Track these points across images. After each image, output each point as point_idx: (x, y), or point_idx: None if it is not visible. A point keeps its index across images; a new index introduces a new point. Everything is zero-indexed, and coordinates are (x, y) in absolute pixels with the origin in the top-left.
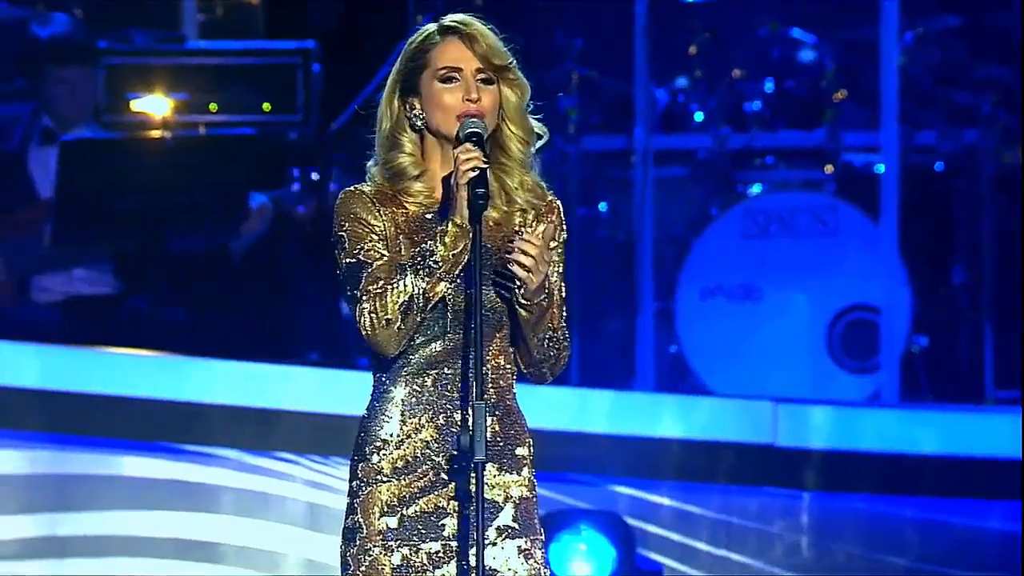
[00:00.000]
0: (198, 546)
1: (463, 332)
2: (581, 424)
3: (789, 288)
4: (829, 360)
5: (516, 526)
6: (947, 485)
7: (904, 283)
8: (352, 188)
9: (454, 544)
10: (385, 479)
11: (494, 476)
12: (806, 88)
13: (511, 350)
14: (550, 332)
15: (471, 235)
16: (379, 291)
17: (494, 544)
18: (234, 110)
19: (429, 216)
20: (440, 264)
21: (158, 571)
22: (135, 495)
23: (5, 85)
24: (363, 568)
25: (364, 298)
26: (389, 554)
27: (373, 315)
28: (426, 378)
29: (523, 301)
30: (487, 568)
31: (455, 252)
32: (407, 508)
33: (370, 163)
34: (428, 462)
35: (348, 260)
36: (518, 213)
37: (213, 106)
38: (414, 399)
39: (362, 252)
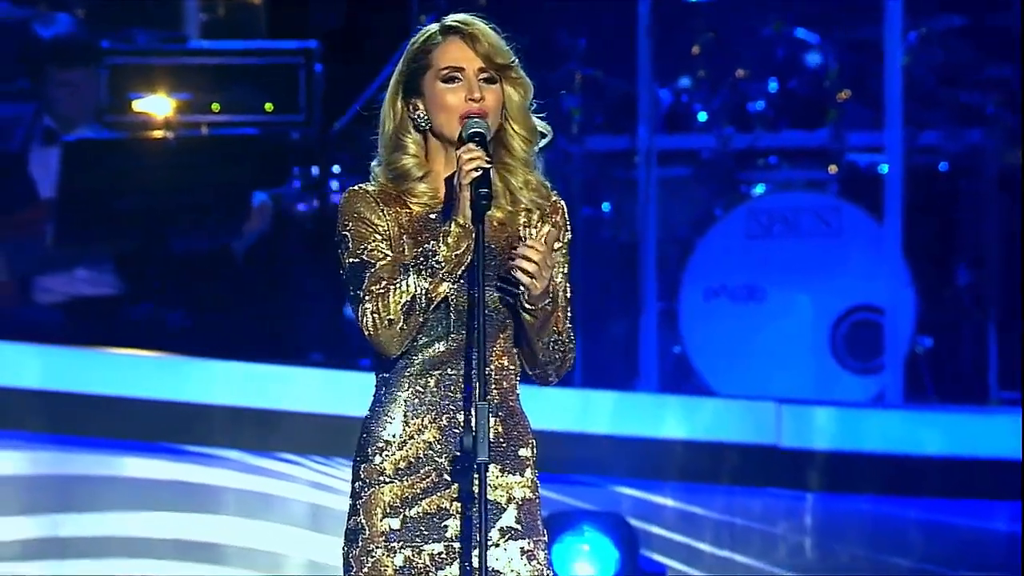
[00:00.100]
0: (200, 547)
1: (466, 332)
2: (584, 425)
3: (793, 288)
4: (833, 361)
5: (519, 527)
6: (951, 486)
7: (908, 284)
8: (356, 187)
9: (457, 545)
10: (387, 480)
11: (497, 477)
12: (810, 88)
13: (515, 351)
14: (555, 335)
15: (474, 235)
16: (381, 291)
17: (497, 545)
18: (236, 110)
19: (433, 216)
20: (442, 264)
21: (160, 572)
22: (137, 496)
23: (7, 85)
24: (365, 569)
25: (366, 298)
26: (392, 555)
27: (375, 315)
28: (429, 379)
29: (527, 306)
30: (490, 569)
31: (458, 253)
32: (410, 509)
33: (374, 163)
34: (431, 463)
35: (351, 260)
36: (523, 213)
37: (215, 106)
38: (417, 400)
39: (365, 252)
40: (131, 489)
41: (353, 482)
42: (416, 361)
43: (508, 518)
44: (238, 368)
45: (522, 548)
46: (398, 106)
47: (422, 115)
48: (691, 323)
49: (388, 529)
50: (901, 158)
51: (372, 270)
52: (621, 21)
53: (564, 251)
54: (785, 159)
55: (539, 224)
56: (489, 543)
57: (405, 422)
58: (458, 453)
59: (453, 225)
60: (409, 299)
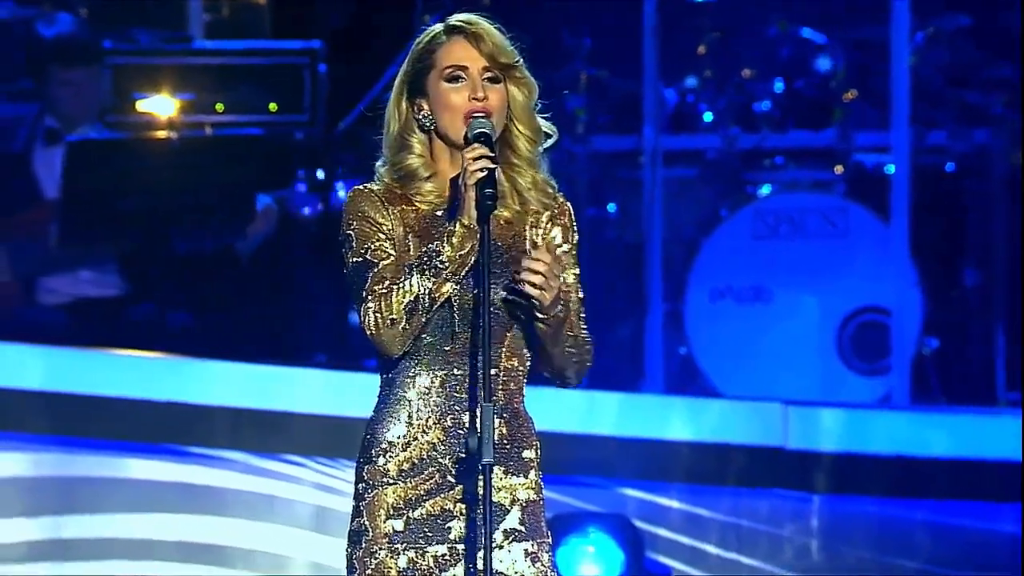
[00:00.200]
0: (203, 549)
1: (472, 332)
2: (590, 426)
3: (799, 289)
4: (839, 362)
5: (523, 529)
6: (958, 488)
7: (915, 284)
8: (361, 186)
9: (460, 547)
10: (391, 481)
11: (501, 479)
12: (816, 88)
13: (524, 351)
14: (571, 339)
15: (479, 236)
16: (384, 291)
17: (501, 547)
18: (240, 110)
19: (440, 213)
20: (447, 265)
21: (163, 574)
22: (140, 498)
23: (9, 85)
24: (369, 571)
25: (369, 297)
26: (395, 557)
27: (378, 315)
28: (434, 379)
29: (540, 316)
30: (494, 571)
31: (462, 253)
32: (413, 511)
33: (378, 164)
34: (434, 464)
35: (355, 259)
36: (530, 213)
37: (219, 106)
38: (421, 400)
39: (369, 251)
40: (134, 491)
41: (356, 483)
42: (421, 361)
43: (512, 520)
44: (242, 369)
45: (526, 550)
46: (403, 106)
47: (427, 115)
48: (697, 324)
49: (391, 531)
50: (908, 158)
51: (375, 269)
52: (626, 21)
53: (573, 253)
54: (791, 159)
55: (547, 225)
56: (493, 545)
57: (409, 423)
58: (463, 455)
59: (458, 225)
60: (412, 299)
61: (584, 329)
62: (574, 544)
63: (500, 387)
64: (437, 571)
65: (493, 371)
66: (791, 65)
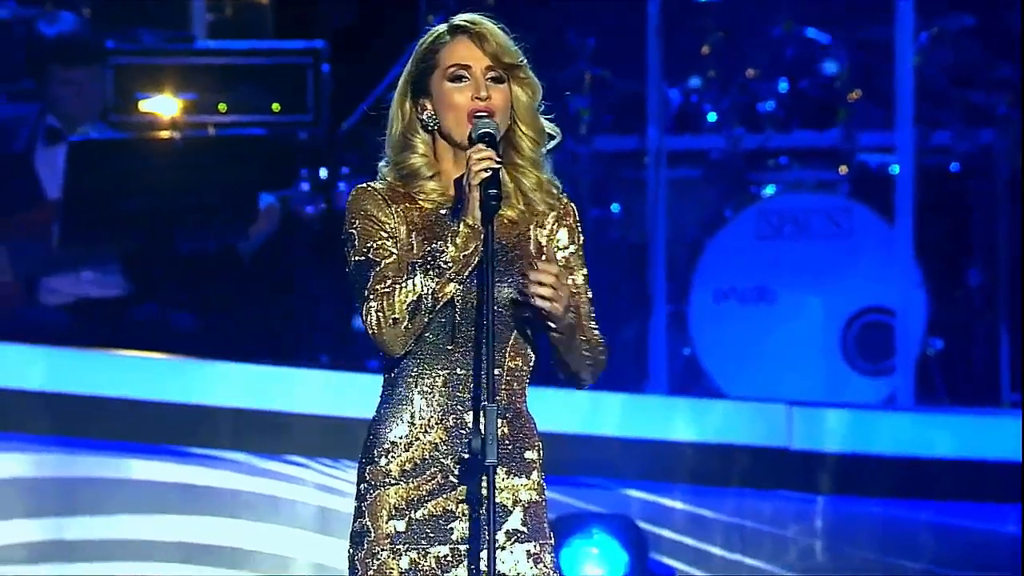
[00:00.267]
0: (206, 550)
1: (475, 332)
2: (593, 427)
3: (803, 290)
4: (844, 363)
5: (525, 530)
6: (962, 488)
7: (919, 285)
8: (364, 185)
9: (463, 548)
10: (393, 482)
11: (503, 480)
12: (820, 88)
13: (528, 351)
14: (585, 344)
15: (483, 236)
16: (387, 290)
17: (503, 548)
18: (243, 110)
19: (444, 212)
20: (450, 264)
21: (166, 575)
22: (142, 499)
23: (11, 85)
24: (371, 572)
25: (371, 296)
26: (397, 558)
27: (380, 314)
28: (436, 379)
29: (552, 325)
30: (496, 572)
31: (466, 253)
32: (415, 511)
33: (381, 163)
34: (436, 464)
35: (357, 258)
36: (535, 213)
37: (222, 106)
38: (424, 400)
39: (371, 250)
40: (136, 491)
41: (359, 484)
42: (424, 361)
43: (514, 521)
44: (244, 370)
45: (528, 551)
46: (406, 106)
47: (430, 115)
48: (701, 325)
49: (393, 531)
50: (912, 158)
51: (378, 268)
52: (630, 21)
53: (580, 254)
54: (795, 160)
55: (553, 226)
56: (495, 546)
57: (411, 423)
58: (465, 455)
59: (462, 225)
60: (415, 299)
61: (596, 330)
62: (577, 545)
63: (503, 387)
64: (439, 572)
65: (496, 371)
66: (795, 65)
